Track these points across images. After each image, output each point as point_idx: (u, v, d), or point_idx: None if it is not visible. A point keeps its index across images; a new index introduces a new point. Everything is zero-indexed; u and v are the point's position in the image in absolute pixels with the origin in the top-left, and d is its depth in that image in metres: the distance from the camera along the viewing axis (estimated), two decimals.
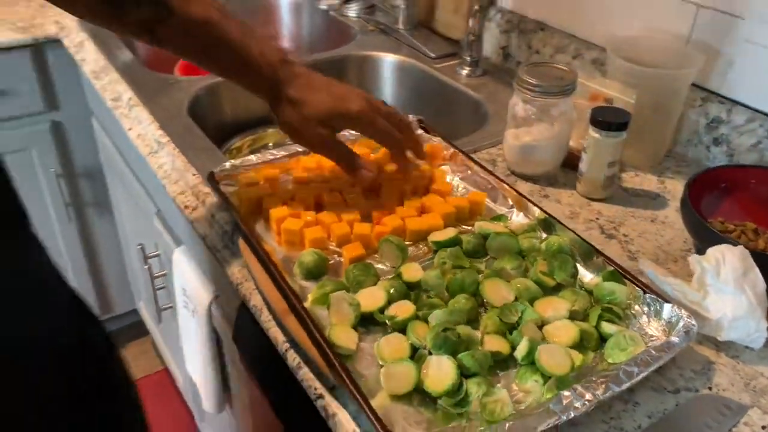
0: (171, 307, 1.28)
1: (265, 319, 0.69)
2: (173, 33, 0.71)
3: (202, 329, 1.02)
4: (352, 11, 1.43)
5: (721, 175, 0.80)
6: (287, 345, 0.66)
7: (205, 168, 0.86)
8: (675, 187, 0.90)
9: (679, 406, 0.60)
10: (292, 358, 0.65)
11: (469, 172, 0.87)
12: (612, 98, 0.89)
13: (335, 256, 0.74)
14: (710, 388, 0.62)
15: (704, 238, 0.72)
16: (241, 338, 0.82)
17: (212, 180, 0.82)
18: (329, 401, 0.60)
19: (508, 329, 0.63)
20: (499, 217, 0.80)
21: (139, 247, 1.29)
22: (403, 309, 0.64)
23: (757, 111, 0.89)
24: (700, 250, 0.70)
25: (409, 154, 0.82)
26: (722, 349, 0.66)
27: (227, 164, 0.84)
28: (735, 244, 0.67)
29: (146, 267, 1.26)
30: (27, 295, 0.52)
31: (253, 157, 0.85)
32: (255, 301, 0.71)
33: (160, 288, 1.30)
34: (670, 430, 0.57)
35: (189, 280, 1.02)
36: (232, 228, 0.79)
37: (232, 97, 1.16)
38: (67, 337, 0.56)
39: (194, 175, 0.89)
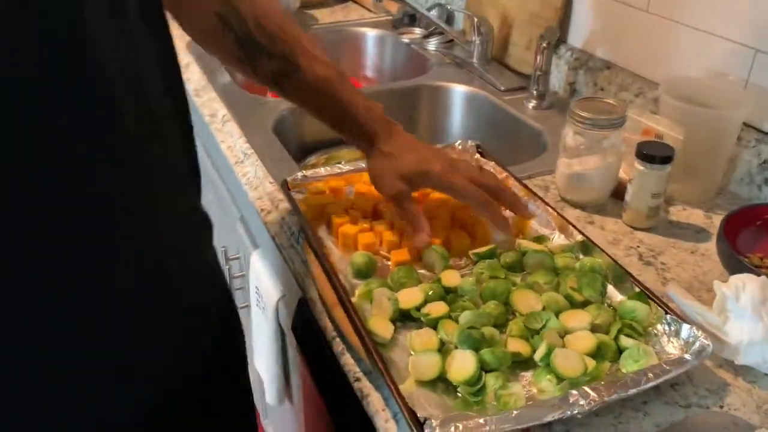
0: (246, 306, 1.40)
1: (318, 311, 0.78)
2: (297, 86, 0.83)
3: (270, 325, 1.12)
4: (432, 45, 1.53)
5: (760, 213, 0.83)
6: (334, 333, 0.75)
7: (281, 177, 0.97)
8: None
9: (687, 417, 0.64)
10: (338, 345, 0.73)
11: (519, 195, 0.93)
12: (662, 134, 0.93)
13: (385, 260, 0.82)
14: (721, 407, 0.65)
15: (734, 269, 0.76)
16: (299, 327, 0.91)
17: (285, 187, 0.93)
18: (364, 383, 0.68)
19: (531, 334, 0.69)
20: (540, 238, 0.86)
21: (223, 249, 1.42)
22: (437, 308, 0.72)
23: None
24: None
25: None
26: (740, 373, 0.69)
27: (299, 174, 0.95)
28: (759, 275, 0.70)
29: (227, 267, 1.39)
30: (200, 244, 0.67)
31: (322, 170, 0.96)
32: (311, 294, 0.81)
33: (238, 288, 1.43)
34: None
35: (262, 280, 1.13)
36: (298, 230, 0.90)
37: (312, 118, 1.27)
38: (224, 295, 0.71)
39: (271, 183, 1.01)
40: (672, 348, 0.69)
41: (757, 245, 0.83)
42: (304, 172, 0.95)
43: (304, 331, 0.89)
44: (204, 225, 0.67)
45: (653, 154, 0.86)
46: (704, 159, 0.95)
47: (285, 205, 0.95)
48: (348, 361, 0.71)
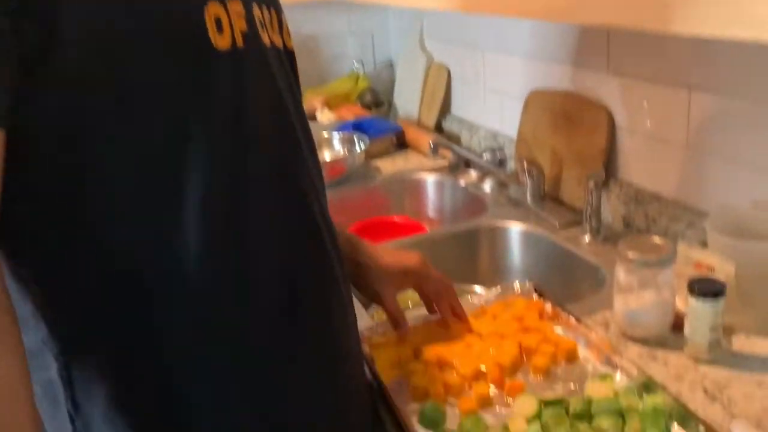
0: None
1: None
2: None
3: None
4: (487, 186, 1.63)
5: None
6: None
7: None
8: None
9: None
10: None
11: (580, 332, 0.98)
12: (713, 266, 0.97)
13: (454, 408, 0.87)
14: None
15: None
16: None
17: None
18: None
19: None
20: (604, 377, 0.89)
21: None
22: None
23: None
24: None
25: None
26: None
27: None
28: None
29: None
30: None
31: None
32: None
33: None
34: None
35: None
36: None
37: None
38: None
39: None
40: None
41: None
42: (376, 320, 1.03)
43: None
44: None
45: (704, 289, 0.90)
46: (759, 289, 0.97)
47: None
48: None
